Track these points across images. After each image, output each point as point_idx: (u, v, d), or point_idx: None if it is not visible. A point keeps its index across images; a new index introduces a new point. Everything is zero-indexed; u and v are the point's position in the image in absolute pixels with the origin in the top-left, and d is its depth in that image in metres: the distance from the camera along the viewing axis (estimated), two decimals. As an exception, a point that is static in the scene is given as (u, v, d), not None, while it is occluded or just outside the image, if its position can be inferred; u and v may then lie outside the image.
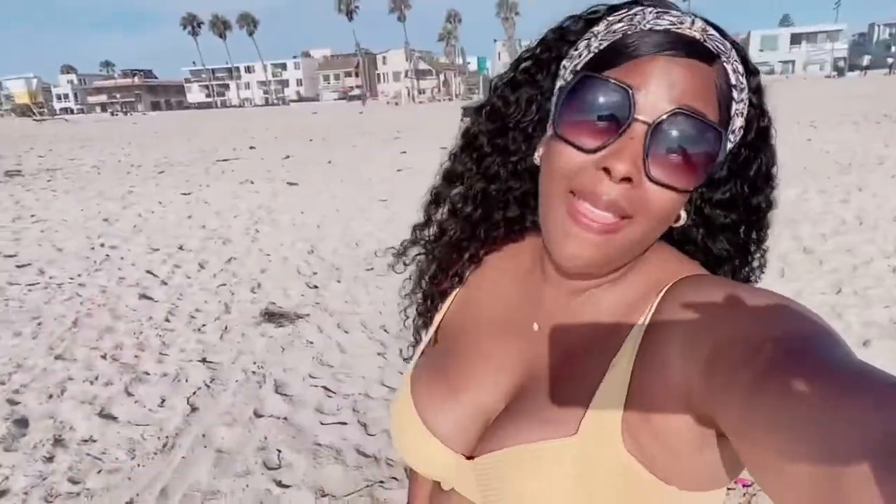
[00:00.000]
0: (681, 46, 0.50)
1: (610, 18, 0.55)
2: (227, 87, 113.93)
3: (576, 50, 0.57)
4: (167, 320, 4.22)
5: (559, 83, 0.58)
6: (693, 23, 0.51)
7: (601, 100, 0.51)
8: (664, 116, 0.48)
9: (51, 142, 22.06)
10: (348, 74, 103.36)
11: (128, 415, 3.03)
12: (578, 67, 0.55)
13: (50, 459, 2.67)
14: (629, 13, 0.54)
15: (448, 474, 0.63)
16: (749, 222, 0.61)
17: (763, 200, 0.60)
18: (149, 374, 3.44)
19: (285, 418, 2.95)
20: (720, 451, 0.49)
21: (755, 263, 0.65)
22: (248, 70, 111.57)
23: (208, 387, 3.27)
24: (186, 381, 3.34)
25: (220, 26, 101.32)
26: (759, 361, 0.40)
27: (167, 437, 2.82)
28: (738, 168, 0.58)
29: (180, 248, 6.13)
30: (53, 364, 3.57)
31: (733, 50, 0.53)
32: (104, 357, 3.65)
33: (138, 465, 2.62)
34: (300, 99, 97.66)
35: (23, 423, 2.95)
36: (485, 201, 0.67)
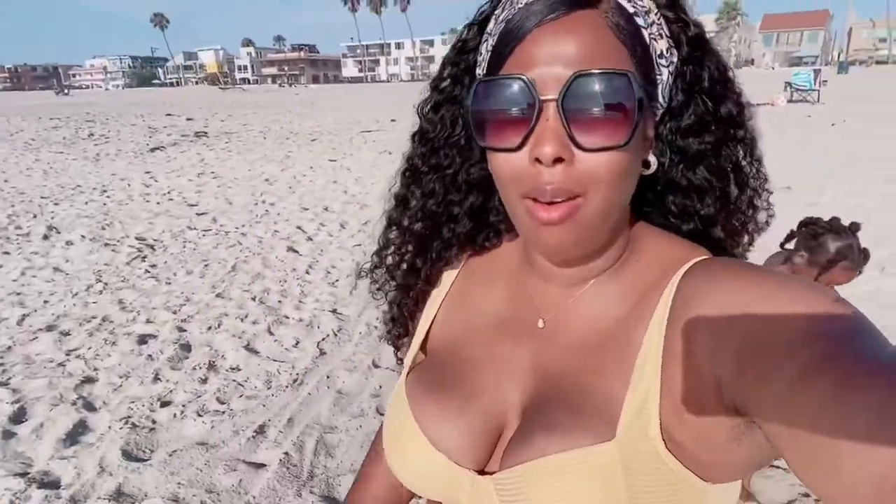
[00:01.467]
0: (558, 6, 0.48)
1: (496, 12, 0.54)
2: (377, 62, 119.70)
3: (480, 55, 0.56)
4: (307, 272, 4.66)
5: None
6: None
7: (503, 97, 0.50)
8: (566, 86, 0.47)
9: (230, 108, 25.00)
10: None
11: (267, 351, 3.43)
12: (484, 70, 0.55)
13: (204, 381, 3.12)
14: None
15: (456, 493, 0.59)
16: (727, 138, 0.57)
17: (732, 107, 0.57)
18: (288, 318, 3.84)
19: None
20: (753, 441, 0.47)
21: (757, 201, 0.60)
22: (398, 46, 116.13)
23: (336, 335, 3.59)
24: (318, 327, 3.69)
25: (377, 2, 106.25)
26: (801, 355, 0.38)
27: (297, 374, 3.15)
28: (690, 86, 0.55)
29: (325, 209, 6.68)
30: (214, 301, 4.13)
31: None
32: (254, 299, 4.15)
33: (272, 395, 2.97)
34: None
35: (187, 347, 3.47)
36: (428, 217, 0.68)
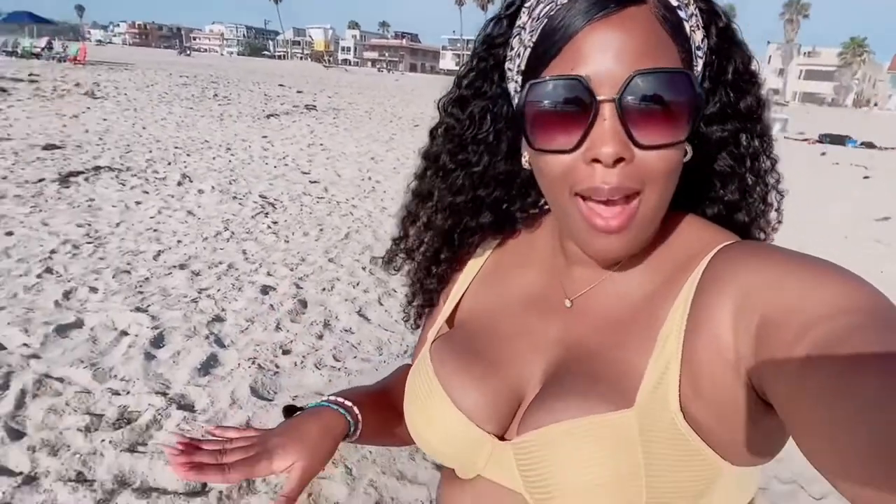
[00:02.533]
0: (607, 2, 0.47)
1: (528, 4, 0.53)
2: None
3: (511, 49, 0.55)
4: (414, 252, 4.78)
5: (511, 86, 0.57)
6: None
7: (558, 98, 0.49)
8: (624, 85, 0.47)
9: (336, 86, 26.00)
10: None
11: (378, 319, 3.55)
12: (522, 67, 0.53)
13: (320, 337, 3.28)
14: None
15: (472, 456, 0.59)
16: (746, 129, 0.57)
17: (753, 101, 0.57)
18: (396, 291, 3.95)
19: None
20: (769, 426, 0.48)
21: (770, 198, 0.60)
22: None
23: (444, 316, 3.66)
24: (426, 306, 3.77)
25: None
26: (814, 334, 0.39)
27: (407, 346, 3.24)
28: (716, 76, 0.55)
29: (429, 193, 6.82)
30: (328, 265, 4.32)
31: None
32: (364, 269, 4.30)
33: (384, 362, 3.07)
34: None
35: (303, 303, 3.66)
36: (455, 213, 0.67)
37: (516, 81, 0.55)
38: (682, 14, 0.50)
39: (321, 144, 9.61)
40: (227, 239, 4.68)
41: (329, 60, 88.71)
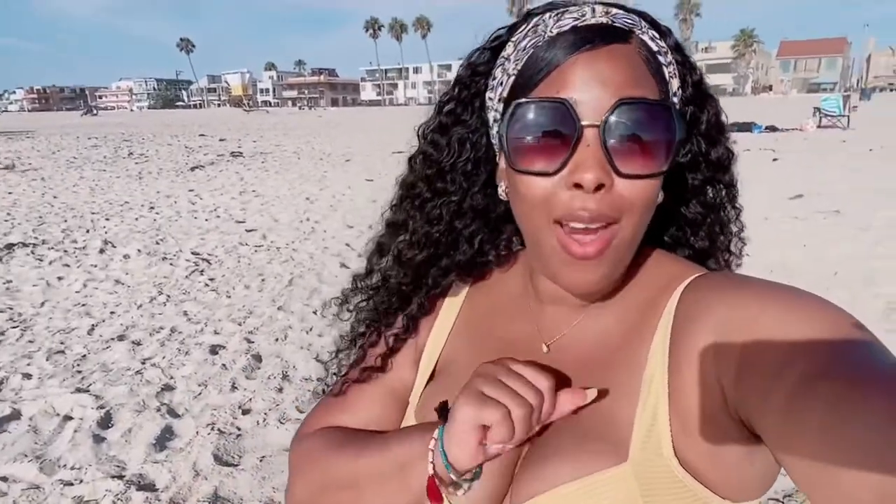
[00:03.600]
0: (593, 37, 0.49)
1: (514, 38, 0.54)
2: (395, 86, 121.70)
3: (494, 79, 0.56)
4: (363, 288, 4.73)
5: (491, 115, 0.57)
6: (594, 10, 0.51)
7: (543, 121, 0.49)
8: (609, 112, 0.47)
9: (259, 129, 25.59)
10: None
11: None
12: (504, 95, 0.54)
13: (280, 391, 3.17)
14: (530, 26, 0.53)
15: None
16: (715, 179, 0.59)
17: (724, 151, 0.59)
18: (352, 331, 3.89)
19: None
20: (766, 458, 0.47)
21: (732, 246, 0.63)
22: (416, 71, 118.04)
23: (403, 349, 3.63)
24: (384, 341, 3.73)
25: (398, 29, 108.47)
26: (798, 367, 0.38)
27: (371, 386, 3.19)
28: (690, 126, 0.57)
29: (370, 226, 6.69)
30: (277, 314, 4.20)
31: (641, 19, 0.52)
32: (315, 313, 4.21)
33: (349, 406, 3.01)
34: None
35: (258, 358, 3.53)
36: (430, 245, 0.65)
37: (496, 110, 0.55)
38: (661, 59, 0.52)
39: (253, 191, 9.39)
40: (164, 303, 4.47)
41: (249, 104, 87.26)
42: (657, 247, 0.62)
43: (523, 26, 0.54)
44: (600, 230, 0.50)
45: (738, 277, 0.51)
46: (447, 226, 0.64)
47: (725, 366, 0.44)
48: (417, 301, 0.68)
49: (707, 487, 0.48)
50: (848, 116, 18.18)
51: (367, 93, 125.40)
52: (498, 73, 0.55)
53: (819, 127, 18.00)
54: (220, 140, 19.40)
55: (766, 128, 17.62)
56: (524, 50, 0.52)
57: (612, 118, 0.47)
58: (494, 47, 0.58)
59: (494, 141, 0.59)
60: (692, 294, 0.52)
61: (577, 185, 0.48)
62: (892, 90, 77.92)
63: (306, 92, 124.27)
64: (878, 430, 0.32)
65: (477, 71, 0.60)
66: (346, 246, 5.97)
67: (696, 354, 0.48)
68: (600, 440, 0.51)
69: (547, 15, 0.53)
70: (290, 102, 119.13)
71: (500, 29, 0.59)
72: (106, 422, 2.85)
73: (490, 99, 0.57)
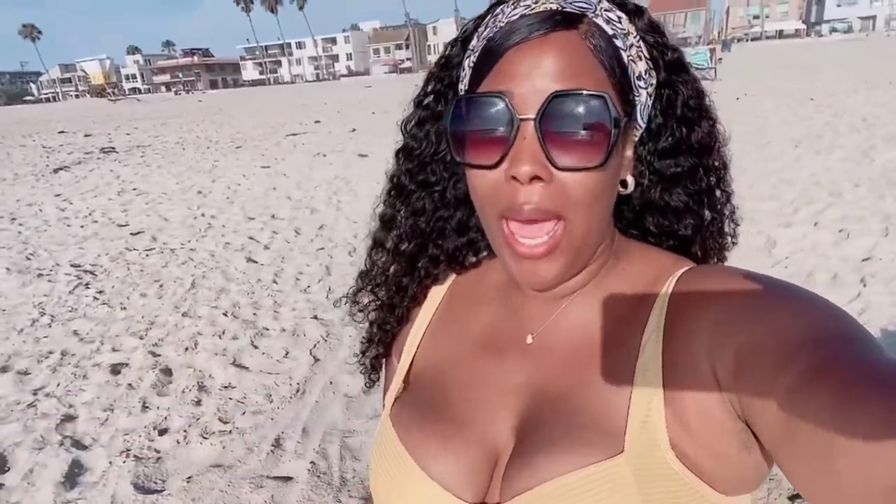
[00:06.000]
0: (538, 26, 0.49)
1: (479, 30, 0.55)
2: (279, 63, 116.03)
3: (463, 70, 0.57)
4: (274, 282, 4.53)
5: None
6: None
7: (482, 114, 0.50)
8: (544, 104, 0.47)
9: (131, 120, 23.33)
10: (398, 47, 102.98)
11: (258, 365, 3.32)
12: (465, 88, 0.55)
13: (198, 403, 2.98)
14: (491, 16, 0.54)
15: None
16: (702, 165, 0.59)
17: (704, 135, 0.58)
18: (268, 329, 3.73)
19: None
20: (763, 450, 0.47)
21: (726, 227, 0.62)
22: (300, 46, 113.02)
23: (325, 340, 3.53)
24: (304, 335, 3.61)
25: (272, 1, 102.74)
26: (796, 365, 0.39)
27: (297, 384, 3.08)
28: (665, 109, 0.57)
29: (273, 216, 6.47)
30: (182, 321, 3.92)
31: (601, 1, 0.52)
32: (225, 315, 3.98)
33: (278, 408, 2.89)
34: (350, 73, 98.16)
35: (167, 371, 3.29)
36: (417, 236, 0.67)
37: None
38: (619, 43, 0.51)
39: (134, 189, 8.60)
40: (48, 324, 4.01)
41: (114, 93, 79.29)
42: (643, 237, 0.62)
43: (488, 17, 0.55)
44: (544, 224, 0.50)
45: (732, 271, 0.51)
46: (432, 216, 0.66)
47: (722, 360, 0.44)
48: (411, 292, 0.69)
49: (703, 480, 0.48)
50: (715, 68, 19.75)
51: (249, 72, 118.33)
52: (465, 63, 0.56)
53: (688, 82, 19.36)
54: (86, 136, 17.48)
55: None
56: (481, 40, 0.53)
57: (547, 111, 0.47)
58: (464, 39, 0.58)
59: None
60: (686, 286, 0.52)
61: (514, 178, 0.49)
62: (748, 40, 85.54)
63: (180, 75, 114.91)
64: (875, 429, 0.32)
65: (450, 63, 0.60)
66: (249, 239, 5.67)
67: (691, 347, 0.47)
68: (594, 432, 0.50)
69: (507, 4, 0.52)
70: (163, 88, 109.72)
71: (473, 19, 0.58)
72: (1, 466, 2.54)
73: (461, 91, 0.57)
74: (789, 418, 0.37)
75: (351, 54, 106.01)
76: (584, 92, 0.48)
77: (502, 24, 0.51)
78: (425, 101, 0.63)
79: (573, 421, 0.52)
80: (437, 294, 0.70)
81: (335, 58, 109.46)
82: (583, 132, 0.48)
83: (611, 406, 0.51)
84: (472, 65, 0.53)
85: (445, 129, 0.53)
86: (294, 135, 13.93)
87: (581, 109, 0.48)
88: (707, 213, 0.60)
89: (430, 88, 0.63)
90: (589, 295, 0.58)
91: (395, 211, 0.67)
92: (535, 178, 0.48)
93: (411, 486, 0.56)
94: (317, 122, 16.53)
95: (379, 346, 0.73)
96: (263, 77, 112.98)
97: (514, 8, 0.51)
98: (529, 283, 0.53)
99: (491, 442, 0.56)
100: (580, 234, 0.51)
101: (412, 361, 0.68)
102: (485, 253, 0.69)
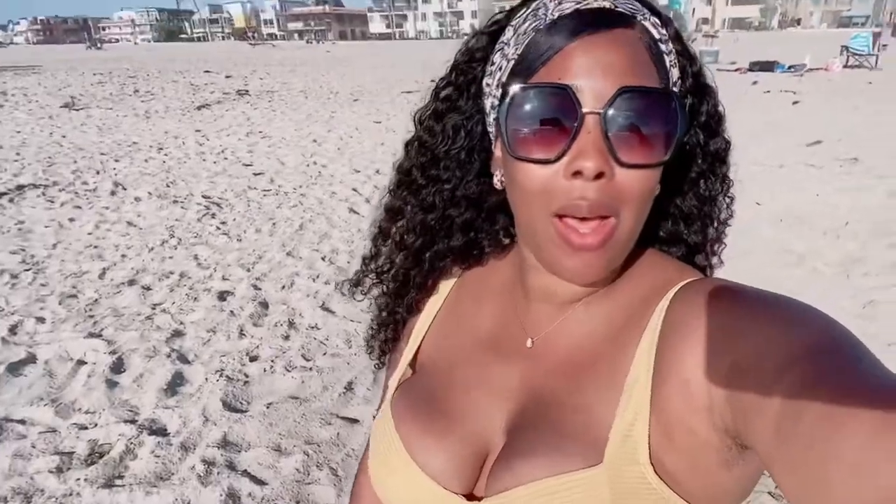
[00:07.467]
0: (596, 22, 0.48)
1: (514, 23, 0.53)
2: (405, 17, 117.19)
3: (492, 65, 0.55)
4: (370, 235, 4.73)
5: (488, 102, 0.56)
6: None
7: (544, 107, 0.49)
8: (611, 99, 0.46)
9: (266, 65, 24.98)
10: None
11: (343, 311, 3.52)
12: (504, 80, 0.53)
13: (286, 338, 3.23)
14: (530, 10, 0.52)
15: None
16: (712, 170, 0.59)
17: (721, 143, 0.59)
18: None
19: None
20: (744, 468, 0.47)
21: (723, 237, 0.63)
22: (426, 1, 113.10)
23: (408, 299, 3.66)
24: (390, 290, 3.76)
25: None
26: (789, 378, 0.38)
27: (377, 335, 3.24)
28: (689, 117, 0.56)
29: (377, 171, 6.71)
30: (286, 259, 4.24)
31: (643, 6, 0.51)
32: (323, 259, 4.24)
33: (354, 355, 3.07)
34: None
35: (265, 305, 3.59)
36: (426, 232, 0.66)
37: (494, 96, 0.54)
38: (663, 47, 0.51)
39: (260, 132, 9.26)
40: (175, 246, 4.51)
41: (254, 37, 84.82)
42: (650, 245, 0.61)
43: (523, 10, 0.53)
44: (598, 221, 0.49)
45: (730, 285, 0.50)
46: (441, 213, 0.65)
47: (714, 376, 0.44)
48: (418, 283, 0.69)
49: (681, 497, 0.48)
50: (877, 55, 17.32)
51: (376, 24, 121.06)
52: (497, 58, 0.54)
53: (845, 67, 17.21)
54: (227, 77, 18.98)
55: (789, 67, 16.90)
56: (524, 34, 0.51)
57: (614, 106, 0.47)
58: (492, 32, 0.57)
59: (491, 129, 0.59)
60: (682, 299, 0.51)
61: (577, 174, 0.47)
62: (929, 25, 73.76)
63: (312, 24, 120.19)
64: (868, 444, 0.32)
65: (474, 56, 0.59)
66: (353, 191, 5.93)
67: (683, 361, 0.47)
68: (577, 440, 0.51)
69: None
70: (296, 35, 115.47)
71: (497, 13, 0.58)
72: (118, 367, 2.94)
73: (488, 85, 0.56)
74: (783, 431, 0.37)
75: (476, 12, 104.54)
76: (653, 89, 0.48)
77: (553, 18, 0.50)
78: (444, 94, 0.61)
79: (558, 429, 0.53)
80: (446, 285, 0.71)
81: (460, 14, 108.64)
82: (648, 129, 0.48)
83: (596, 416, 0.51)
84: (514, 56, 0.52)
85: (500, 122, 0.51)
86: (409, 92, 14.14)
87: (648, 106, 0.48)
88: (708, 220, 0.61)
89: (450, 79, 0.61)
90: (592, 304, 0.58)
91: (404, 204, 0.66)
92: (599, 174, 0.47)
93: (403, 475, 0.58)
94: (432, 80, 16.57)
95: (388, 331, 0.73)
96: (389, 31, 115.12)
97: (561, 3, 0.50)
98: (577, 275, 0.52)
99: (481, 440, 0.58)
100: (629, 230, 0.51)
101: (418, 348, 0.69)
102: (482, 253, 0.69)
